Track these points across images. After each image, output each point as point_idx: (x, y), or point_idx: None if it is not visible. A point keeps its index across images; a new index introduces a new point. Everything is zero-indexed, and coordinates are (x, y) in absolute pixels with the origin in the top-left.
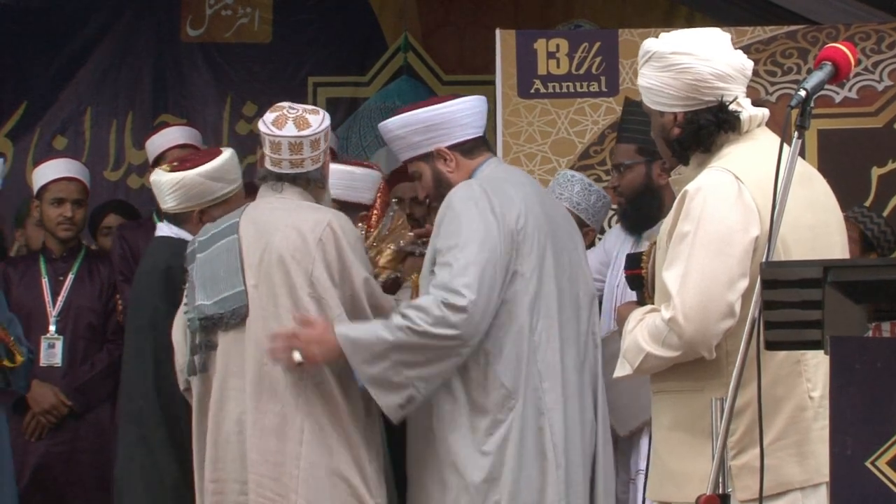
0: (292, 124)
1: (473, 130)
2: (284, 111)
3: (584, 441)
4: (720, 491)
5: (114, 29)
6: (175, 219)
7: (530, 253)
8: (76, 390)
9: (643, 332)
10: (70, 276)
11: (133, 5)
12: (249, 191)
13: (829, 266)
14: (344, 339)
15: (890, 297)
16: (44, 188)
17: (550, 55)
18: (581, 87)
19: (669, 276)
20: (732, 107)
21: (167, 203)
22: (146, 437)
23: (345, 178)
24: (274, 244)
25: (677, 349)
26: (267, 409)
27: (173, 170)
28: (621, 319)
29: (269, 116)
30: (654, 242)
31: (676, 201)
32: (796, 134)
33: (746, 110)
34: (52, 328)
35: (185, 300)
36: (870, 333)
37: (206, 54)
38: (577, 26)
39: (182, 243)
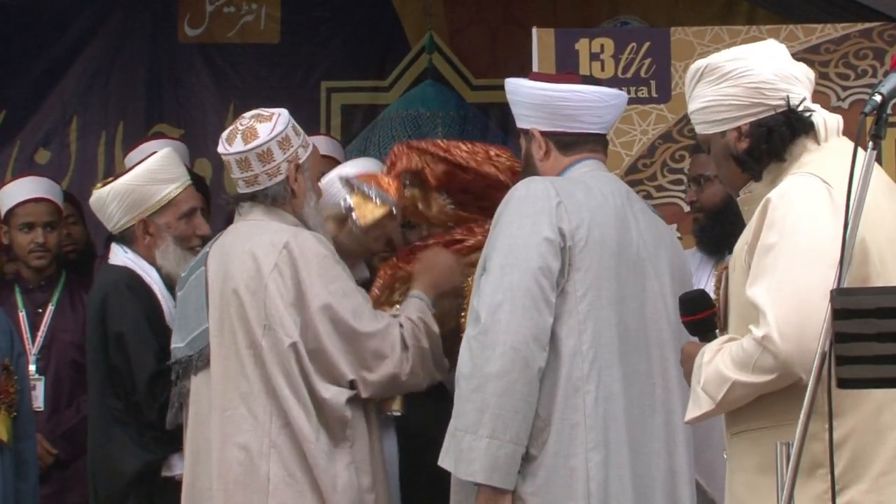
0: (240, 139)
1: (582, 125)
2: (238, 123)
3: (651, 497)
4: None
5: (103, 29)
6: (123, 240)
7: (587, 270)
8: (61, 437)
9: (725, 361)
10: (50, 308)
11: (125, 2)
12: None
13: None
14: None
15: None
16: (11, 212)
17: (594, 56)
18: (629, 92)
19: (757, 292)
20: (802, 108)
21: (110, 223)
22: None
23: None
24: (231, 274)
25: (772, 371)
26: (231, 457)
27: (104, 185)
28: (687, 358)
29: (226, 132)
30: (725, 267)
31: (757, 212)
32: (871, 144)
33: (819, 113)
34: (31, 367)
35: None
36: None
37: (206, 56)
38: (625, 23)
39: (121, 269)
